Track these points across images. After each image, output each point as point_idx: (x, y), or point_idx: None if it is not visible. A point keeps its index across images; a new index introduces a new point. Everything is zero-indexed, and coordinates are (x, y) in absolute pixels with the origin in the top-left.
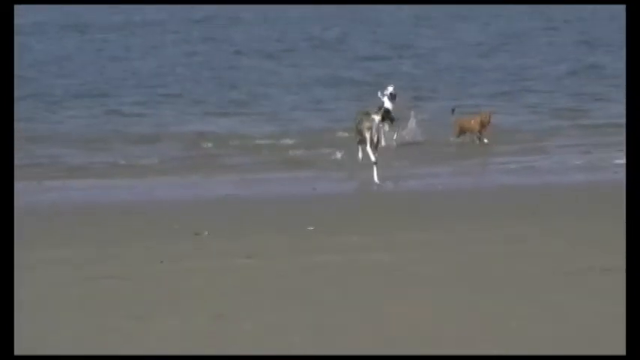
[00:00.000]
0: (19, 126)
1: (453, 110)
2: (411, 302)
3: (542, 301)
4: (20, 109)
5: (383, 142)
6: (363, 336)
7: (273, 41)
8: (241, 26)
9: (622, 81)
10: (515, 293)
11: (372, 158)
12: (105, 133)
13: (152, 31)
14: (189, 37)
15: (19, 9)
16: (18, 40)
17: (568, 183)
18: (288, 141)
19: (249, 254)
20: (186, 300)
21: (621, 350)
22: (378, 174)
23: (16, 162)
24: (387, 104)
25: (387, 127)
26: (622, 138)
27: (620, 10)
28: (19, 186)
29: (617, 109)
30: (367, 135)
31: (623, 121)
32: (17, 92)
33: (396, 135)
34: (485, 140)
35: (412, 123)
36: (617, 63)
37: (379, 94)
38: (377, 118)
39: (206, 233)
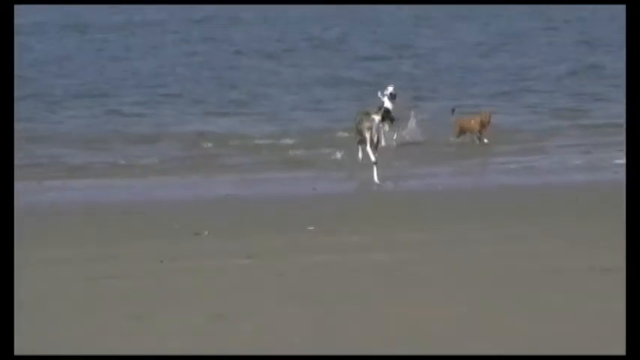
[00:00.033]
0: (19, 126)
1: (453, 110)
2: (411, 302)
3: (542, 301)
4: (20, 109)
5: (383, 142)
6: (363, 336)
7: (273, 41)
8: (241, 26)
9: (622, 81)
10: (515, 293)
11: (372, 158)
12: (105, 133)
13: (152, 31)
14: (189, 37)
15: (19, 9)
16: (18, 40)
17: (568, 183)
18: (288, 141)
19: (249, 254)
20: (186, 300)
21: (621, 350)
22: (378, 174)
23: (16, 162)
24: (387, 104)
25: (387, 127)
26: (622, 138)
27: (620, 10)
28: (19, 186)
29: (617, 109)
30: (367, 135)
31: (623, 121)
32: (17, 92)
33: (396, 135)
34: (485, 140)
35: (412, 123)
36: (617, 63)
37: (379, 94)
38: (377, 118)
39: (206, 233)
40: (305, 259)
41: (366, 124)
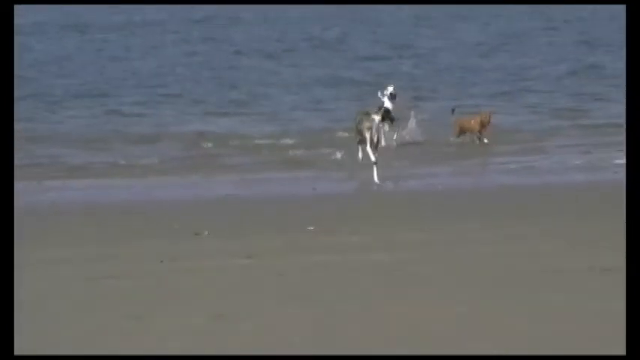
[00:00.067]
0: (19, 126)
1: (453, 110)
2: (411, 302)
3: (542, 301)
4: (20, 109)
5: (383, 142)
6: (363, 336)
7: (273, 41)
8: (241, 26)
9: (622, 81)
10: (515, 293)
11: (372, 158)
12: (105, 133)
13: (152, 31)
14: (189, 37)
15: (19, 9)
16: (18, 40)
17: (568, 183)
18: (288, 141)
19: (249, 254)
20: (186, 300)
21: (621, 350)
22: (378, 174)
23: (16, 162)
24: (387, 104)
25: (387, 127)
26: (622, 138)
27: (620, 10)
28: (19, 186)
29: (617, 109)
30: (367, 135)
31: (623, 121)
32: (17, 92)
33: (396, 135)
34: (485, 140)
35: (412, 123)
36: (617, 63)
37: (379, 94)
38: (377, 118)
39: (206, 233)
40: (305, 259)
41: (366, 124)
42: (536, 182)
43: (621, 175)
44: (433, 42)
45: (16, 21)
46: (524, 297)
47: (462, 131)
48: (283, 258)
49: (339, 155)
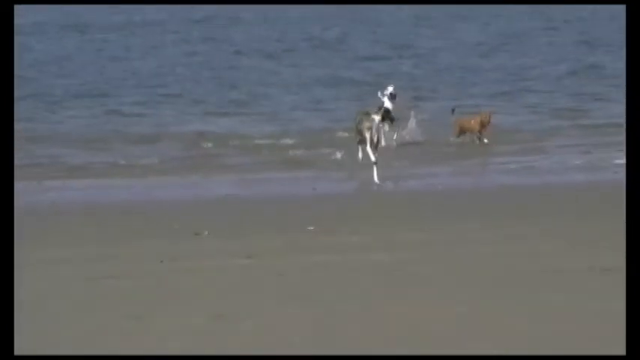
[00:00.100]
0: (19, 126)
1: (453, 110)
2: (411, 302)
3: (542, 301)
4: (20, 109)
5: (383, 142)
6: (363, 336)
7: (273, 41)
8: (241, 26)
9: (622, 81)
10: (515, 293)
11: (372, 158)
12: (105, 133)
13: (152, 31)
14: (189, 37)
15: (19, 9)
16: (18, 40)
17: (568, 183)
18: (288, 141)
19: (249, 254)
20: (186, 300)
21: (621, 350)
22: (378, 174)
23: (16, 162)
24: (387, 104)
25: (387, 127)
26: (622, 138)
27: (620, 10)
28: (19, 186)
29: (617, 109)
30: (367, 135)
31: (623, 121)
32: (17, 92)
33: (396, 135)
34: (486, 140)
35: (412, 123)
36: (617, 63)
37: (379, 93)
38: (377, 118)
39: (206, 233)
40: (305, 259)
41: (366, 124)
42: (536, 182)
43: (621, 175)
44: (433, 42)
45: (17, 21)
46: (524, 297)
47: (462, 131)
48: (283, 258)
49: (339, 155)
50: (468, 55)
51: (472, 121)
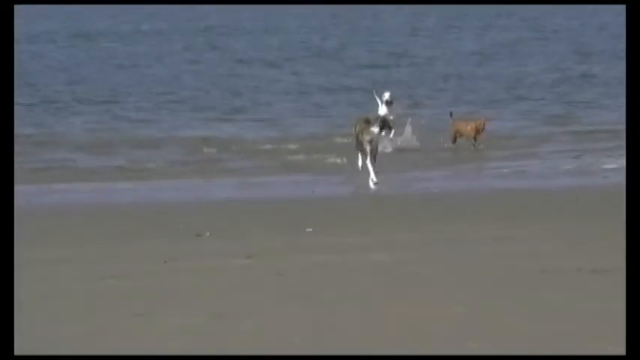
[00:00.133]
0: (29, 131)
1: (451, 114)
2: (411, 302)
3: (542, 301)
4: (31, 114)
5: (380, 148)
6: (363, 336)
7: (274, 50)
8: (243, 36)
9: (611, 89)
10: (515, 293)
11: (370, 166)
12: (112, 138)
13: (158, 40)
14: (193, 46)
15: (30, 17)
16: (29, 48)
17: (560, 187)
18: (289, 146)
19: (249, 254)
20: (186, 300)
21: (621, 350)
22: (375, 174)
23: (27, 166)
24: (384, 111)
25: (384, 133)
26: (612, 144)
27: (610, 19)
28: (30, 188)
29: (607, 116)
30: (367, 148)
31: (613, 127)
32: (28, 98)
33: (392, 141)
34: (481, 146)
35: (408, 129)
36: (608, 71)
37: (374, 92)
38: (376, 130)
39: (207, 234)
40: (305, 259)
41: (367, 137)
42: (530, 185)
43: (610, 180)
44: (429, 51)
45: (28, 29)
46: (524, 297)
47: (459, 134)
48: (283, 258)
49: (338, 160)
50: (463, 64)
51: (468, 127)
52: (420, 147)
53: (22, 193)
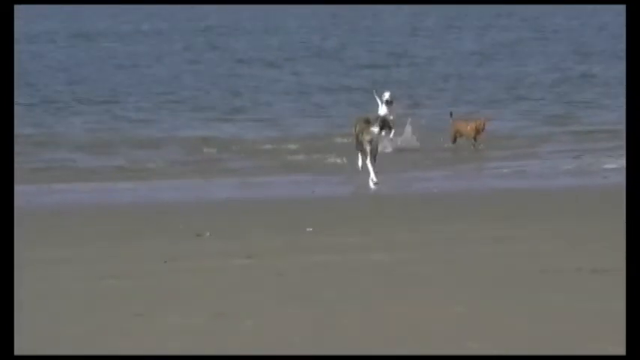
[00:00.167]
0: (30, 131)
1: (451, 113)
2: (411, 302)
3: (542, 301)
4: (31, 114)
5: (380, 148)
6: (363, 336)
7: (274, 50)
8: (243, 36)
9: (611, 89)
10: (515, 293)
11: (370, 166)
12: (112, 138)
13: (158, 40)
14: (193, 46)
15: (30, 17)
16: (29, 48)
17: (560, 186)
18: (289, 146)
19: (249, 254)
20: (186, 299)
21: (621, 350)
22: (375, 174)
23: (27, 166)
24: (384, 111)
25: (384, 133)
26: (612, 144)
27: (610, 19)
28: (30, 188)
29: (607, 116)
30: (367, 148)
31: (613, 127)
32: (28, 98)
33: (392, 141)
34: (481, 146)
35: (408, 129)
36: (607, 71)
37: (374, 92)
38: (376, 130)
39: (207, 234)
40: (305, 259)
41: (367, 137)
42: (530, 185)
43: (610, 180)
44: (429, 51)
45: (28, 29)
46: (524, 297)
47: (459, 134)
48: (283, 258)
49: (338, 160)
50: (463, 64)
51: (468, 127)
52: (420, 147)
53: (22, 193)
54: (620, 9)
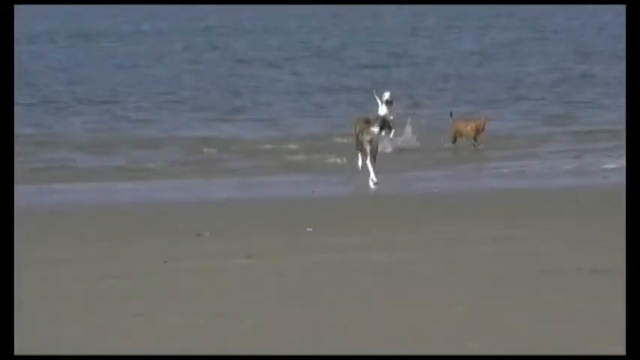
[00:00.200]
0: (30, 131)
1: (451, 113)
2: (411, 302)
3: (542, 301)
4: (31, 114)
5: (380, 148)
6: (363, 336)
7: (274, 50)
8: (243, 36)
9: (612, 89)
10: (515, 293)
11: (370, 165)
12: (112, 138)
13: (158, 40)
14: (193, 46)
15: (30, 17)
16: (29, 48)
17: (560, 186)
18: (289, 146)
19: (249, 254)
20: (186, 299)
21: (621, 350)
22: (375, 174)
23: (27, 166)
24: (384, 111)
25: (384, 133)
26: (612, 144)
27: (610, 19)
28: (30, 188)
29: (607, 116)
30: (367, 148)
31: (613, 127)
32: (28, 98)
33: (392, 141)
34: (481, 146)
35: (408, 129)
36: (607, 71)
37: (374, 92)
38: (376, 130)
39: (207, 234)
40: (305, 259)
41: (367, 137)
42: (530, 185)
43: (610, 180)
44: (429, 51)
45: (28, 29)
46: (524, 297)
47: (459, 134)
48: (283, 258)
49: (338, 160)
50: (463, 64)
51: (468, 127)
52: (420, 147)
53: (22, 193)
54: (620, 9)
